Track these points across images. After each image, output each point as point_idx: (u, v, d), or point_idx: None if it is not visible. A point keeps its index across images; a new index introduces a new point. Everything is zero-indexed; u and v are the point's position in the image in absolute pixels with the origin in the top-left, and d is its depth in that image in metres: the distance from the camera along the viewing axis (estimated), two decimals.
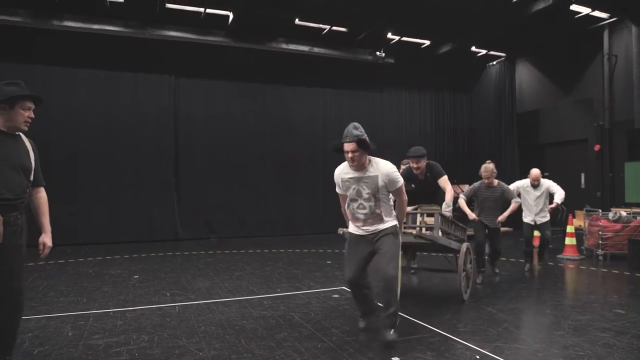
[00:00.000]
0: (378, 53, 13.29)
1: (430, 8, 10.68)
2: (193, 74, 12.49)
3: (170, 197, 12.18)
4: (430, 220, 5.47)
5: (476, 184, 7.10)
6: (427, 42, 13.31)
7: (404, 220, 4.86)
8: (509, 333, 4.33)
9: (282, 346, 3.97)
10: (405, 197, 4.11)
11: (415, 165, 5.81)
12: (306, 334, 4.32)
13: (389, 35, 12.73)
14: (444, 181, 5.76)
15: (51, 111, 10.67)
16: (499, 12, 10.96)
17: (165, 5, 10.47)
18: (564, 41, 13.06)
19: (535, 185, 7.74)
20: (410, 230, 4.95)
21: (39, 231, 3.26)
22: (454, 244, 5.48)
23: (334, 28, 12.14)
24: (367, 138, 3.83)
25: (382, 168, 3.93)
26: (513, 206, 6.87)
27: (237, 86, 12.92)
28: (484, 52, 14.39)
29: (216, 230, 12.48)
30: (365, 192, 3.95)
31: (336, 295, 5.91)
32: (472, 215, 6.85)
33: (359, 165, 3.92)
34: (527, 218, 7.87)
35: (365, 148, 3.85)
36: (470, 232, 6.49)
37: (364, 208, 3.99)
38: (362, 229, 4.09)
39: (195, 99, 12.56)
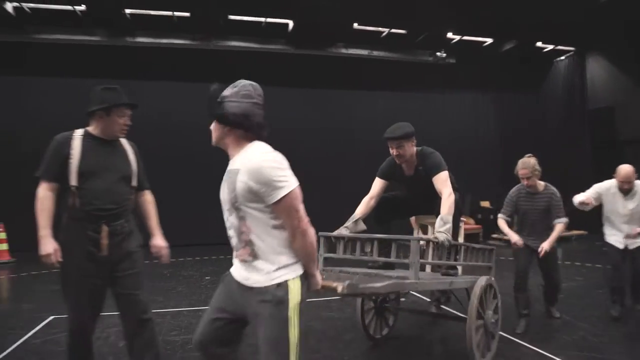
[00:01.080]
0: (438, 54, 13.10)
1: (492, 4, 10.41)
2: (256, 81, 12.80)
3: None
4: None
5: (513, 192, 4.98)
6: (490, 40, 12.96)
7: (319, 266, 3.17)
8: None
9: (350, 347, 4.02)
10: (305, 227, 2.08)
11: (395, 153, 3.78)
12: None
13: (450, 35, 12.52)
14: (441, 180, 3.65)
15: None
16: (566, 3, 10.50)
17: (227, 17, 10.86)
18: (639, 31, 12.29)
19: (626, 190, 4.95)
20: (332, 284, 2.67)
21: (148, 235, 3.21)
22: (458, 282, 3.74)
23: (393, 30, 12.10)
24: (231, 106, 2.14)
25: (251, 157, 2.07)
26: (559, 229, 4.76)
27: (298, 92, 13.15)
28: (550, 47, 13.81)
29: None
30: (225, 198, 2.19)
31: (403, 299, 5.88)
32: (515, 239, 4.82)
33: (230, 150, 2.23)
34: (612, 237, 5.16)
35: (224, 121, 2.15)
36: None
37: (229, 227, 2.22)
38: (235, 267, 2.27)
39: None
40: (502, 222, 4.99)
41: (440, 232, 3.34)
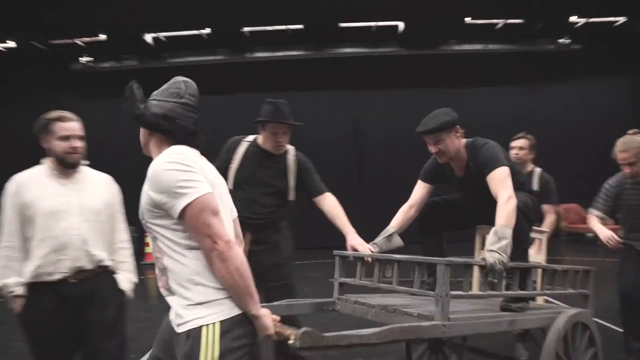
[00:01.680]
0: (561, 40, 12.18)
1: None
2: (369, 85, 13.01)
3: (356, 206, 12.77)
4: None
5: (612, 182, 3.62)
6: (622, 19, 11.77)
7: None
8: None
9: None
10: (223, 249, 1.57)
11: (434, 150, 2.88)
12: None
13: (573, 18, 11.60)
14: (497, 180, 2.65)
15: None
16: None
17: (338, 25, 11.19)
18: None
19: None
20: (286, 331, 1.71)
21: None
22: (524, 320, 2.58)
23: (509, 21, 11.54)
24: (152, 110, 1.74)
25: (154, 162, 1.67)
26: None
27: (411, 94, 13.05)
28: None
29: None
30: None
31: None
32: (608, 237, 3.44)
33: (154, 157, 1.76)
34: None
35: (142, 123, 1.78)
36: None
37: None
38: None
39: (375, 110, 13.02)
40: (593, 220, 3.66)
41: (491, 250, 2.32)
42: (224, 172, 2.87)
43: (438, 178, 3.03)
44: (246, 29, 11.15)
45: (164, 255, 1.63)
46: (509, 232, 2.40)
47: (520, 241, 2.58)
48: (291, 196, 3.11)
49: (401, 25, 11.40)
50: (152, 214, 1.61)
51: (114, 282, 2.51)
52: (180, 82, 1.79)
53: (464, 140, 2.87)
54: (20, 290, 2.33)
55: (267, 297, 2.84)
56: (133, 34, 11.02)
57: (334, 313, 2.68)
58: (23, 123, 13.77)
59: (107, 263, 2.51)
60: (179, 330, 1.58)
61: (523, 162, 4.14)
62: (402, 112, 12.92)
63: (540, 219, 3.94)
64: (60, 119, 2.40)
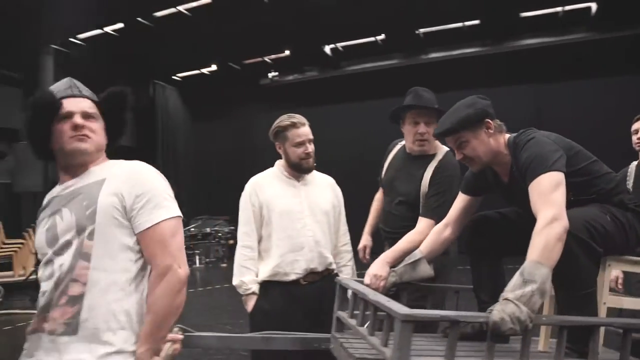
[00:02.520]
0: None
1: None
2: (555, 78, 11.96)
3: None
4: None
5: None
6: None
7: None
8: None
9: None
10: (184, 293, 1.44)
11: (458, 157, 2.03)
12: None
13: None
14: (539, 193, 1.74)
15: None
16: None
17: (519, 15, 10.51)
18: None
19: None
20: None
21: None
22: None
23: None
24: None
25: (137, 163, 1.57)
26: None
27: (607, 83, 11.63)
28: None
29: None
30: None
31: None
32: None
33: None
34: None
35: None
36: None
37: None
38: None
39: (560, 104, 11.94)
40: None
41: (506, 299, 1.51)
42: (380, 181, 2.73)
43: (481, 187, 2.14)
44: (421, 30, 11.13)
45: (85, 280, 1.35)
46: (541, 274, 1.55)
47: (580, 284, 1.73)
48: (422, 208, 2.45)
49: (594, 6, 10.25)
50: (112, 220, 1.39)
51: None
52: None
53: (505, 137, 1.99)
54: (255, 288, 2.36)
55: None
56: (314, 47, 11.81)
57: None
58: (227, 134, 15.74)
59: (334, 266, 2.50)
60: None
61: None
62: (594, 105, 11.62)
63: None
64: (294, 125, 2.41)
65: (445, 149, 2.48)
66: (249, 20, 10.33)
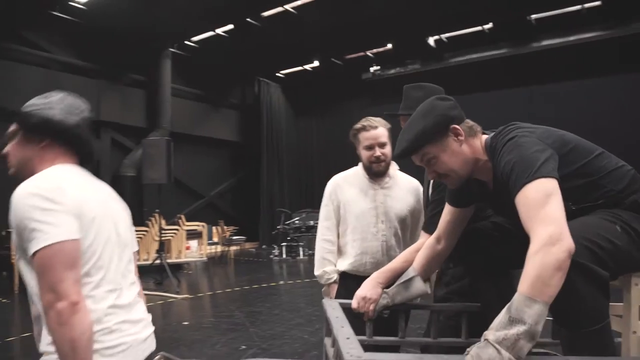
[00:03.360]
0: None
1: None
2: None
3: None
4: None
5: None
6: None
7: None
8: None
9: None
10: (75, 324, 1.30)
11: (430, 176, 1.73)
12: None
13: None
14: (528, 207, 1.35)
15: None
16: None
17: None
18: None
19: None
20: None
21: None
22: None
23: None
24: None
25: (19, 189, 1.41)
26: None
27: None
28: None
29: None
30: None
31: None
32: None
33: None
34: None
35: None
36: None
37: None
38: None
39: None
40: None
41: (487, 342, 1.25)
42: None
43: (467, 198, 1.81)
44: (533, 16, 10.47)
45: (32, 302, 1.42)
46: (533, 313, 1.22)
47: (586, 321, 1.36)
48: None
49: None
50: (18, 251, 1.39)
51: None
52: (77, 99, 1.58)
53: (482, 138, 1.65)
54: (336, 277, 2.46)
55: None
56: (417, 39, 11.59)
57: None
58: (328, 129, 16.07)
59: None
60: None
61: None
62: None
63: None
64: (364, 128, 2.42)
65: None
66: (353, 15, 10.39)
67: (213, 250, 11.99)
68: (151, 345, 1.51)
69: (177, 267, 9.51)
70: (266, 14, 10.74)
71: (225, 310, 6.26)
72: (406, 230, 2.50)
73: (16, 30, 10.13)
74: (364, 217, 2.44)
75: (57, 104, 1.49)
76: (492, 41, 11.50)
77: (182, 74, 13.20)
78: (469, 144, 1.60)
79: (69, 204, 1.34)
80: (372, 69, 13.11)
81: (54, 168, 1.45)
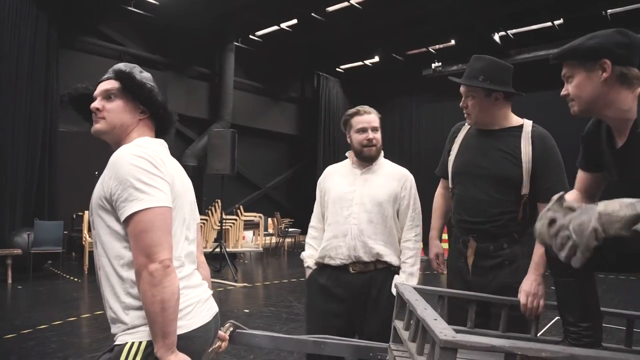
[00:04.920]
0: None
1: None
2: None
3: None
4: None
5: None
6: None
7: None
8: None
9: None
10: (166, 286, 1.34)
11: (563, 91, 1.65)
12: None
13: None
14: None
15: None
16: None
17: None
18: None
19: None
20: None
21: None
22: None
23: None
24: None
25: (121, 150, 1.48)
26: None
27: None
28: None
29: None
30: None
31: None
32: None
33: None
34: None
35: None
36: None
37: None
38: None
39: None
40: None
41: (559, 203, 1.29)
42: (445, 168, 2.41)
43: (597, 157, 1.67)
44: (609, 11, 9.92)
45: (100, 265, 1.46)
46: None
47: None
48: (523, 189, 2.12)
49: None
50: (102, 208, 1.42)
51: (389, 281, 2.38)
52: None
53: (637, 91, 1.49)
54: (310, 263, 2.54)
55: (488, 326, 2.08)
56: (482, 35, 11.27)
57: None
58: (387, 124, 15.92)
59: (388, 259, 2.42)
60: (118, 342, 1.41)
61: None
62: None
63: None
64: (358, 112, 2.48)
65: (528, 120, 2.24)
66: (416, 10, 10.25)
67: (268, 241, 12.24)
68: (214, 306, 1.58)
69: (233, 256, 9.79)
70: (331, 8, 10.77)
71: (284, 300, 6.42)
72: (385, 217, 2.43)
73: (95, 26, 10.72)
74: (339, 201, 2.47)
75: (151, 80, 1.56)
76: (562, 37, 11.00)
77: (244, 67, 13.50)
78: (612, 87, 1.49)
79: (167, 176, 1.42)
80: (433, 65, 12.86)
81: (149, 139, 1.52)
